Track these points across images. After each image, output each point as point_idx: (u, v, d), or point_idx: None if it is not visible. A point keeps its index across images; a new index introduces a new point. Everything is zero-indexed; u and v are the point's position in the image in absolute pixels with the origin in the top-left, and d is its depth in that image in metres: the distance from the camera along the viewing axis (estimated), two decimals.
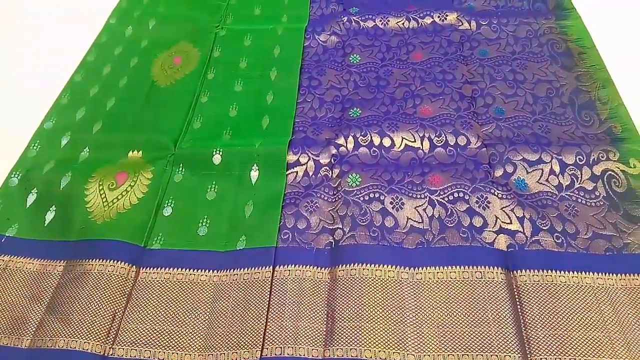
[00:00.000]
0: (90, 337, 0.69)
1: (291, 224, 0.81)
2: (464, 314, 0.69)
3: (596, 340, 0.64)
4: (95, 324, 0.70)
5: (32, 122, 1.00)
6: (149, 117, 1.00)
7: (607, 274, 0.70)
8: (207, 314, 0.72)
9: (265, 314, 0.70)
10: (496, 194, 0.80)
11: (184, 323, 0.71)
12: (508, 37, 1.06)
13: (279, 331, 0.69)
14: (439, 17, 1.12)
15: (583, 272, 0.70)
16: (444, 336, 0.67)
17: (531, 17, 1.09)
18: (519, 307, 0.68)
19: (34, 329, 0.72)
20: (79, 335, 0.69)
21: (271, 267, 0.75)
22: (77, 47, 1.15)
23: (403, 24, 1.13)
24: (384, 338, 0.67)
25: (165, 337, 0.70)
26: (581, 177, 0.81)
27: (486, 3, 1.14)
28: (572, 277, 0.70)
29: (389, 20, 1.13)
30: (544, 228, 0.76)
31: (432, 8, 1.13)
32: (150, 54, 1.14)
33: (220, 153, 0.91)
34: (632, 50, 1.01)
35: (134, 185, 0.87)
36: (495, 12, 1.12)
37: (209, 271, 0.77)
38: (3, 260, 0.80)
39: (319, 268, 0.76)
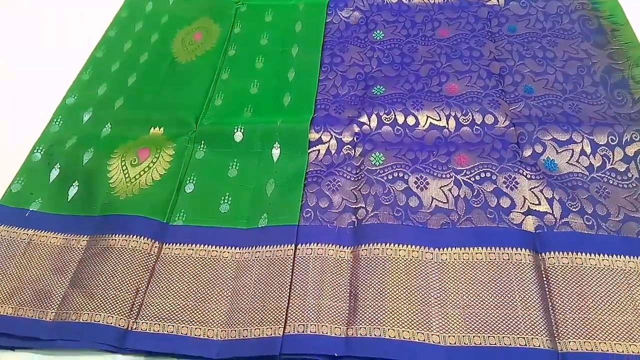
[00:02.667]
0: (114, 311, 0.70)
1: (313, 203, 0.80)
2: (490, 295, 0.68)
3: (627, 324, 0.63)
4: (119, 298, 0.71)
5: (55, 97, 1.00)
6: (170, 93, 0.99)
7: (639, 257, 0.68)
8: (230, 290, 0.72)
9: (288, 291, 0.70)
10: (524, 174, 0.78)
11: (207, 299, 0.71)
12: (538, 13, 1.03)
13: (301, 309, 0.68)
14: None
15: (614, 255, 0.68)
16: (469, 317, 0.66)
17: None
18: (547, 289, 0.66)
19: (58, 303, 0.72)
20: (102, 309, 0.70)
21: (293, 245, 0.75)
22: (99, 23, 1.15)
23: None
24: (407, 318, 0.66)
25: (188, 313, 0.70)
26: (613, 157, 0.79)
27: None
28: (603, 259, 0.68)
29: None
30: (573, 210, 0.74)
31: None
32: (171, 30, 1.12)
33: (242, 130, 0.90)
34: None
35: (156, 162, 0.87)
36: None
37: (231, 248, 0.77)
38: (27, 234, 0.80)
39: (342, 247, 0.75)
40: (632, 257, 0.68)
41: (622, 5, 1.00)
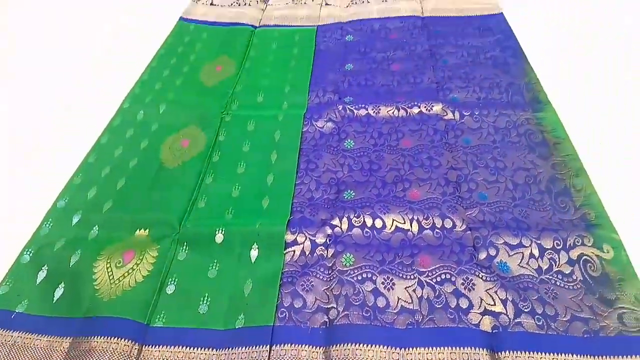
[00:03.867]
0: None
1: (288, 303, 0.85)
2: None
3: None
4: None
5: (46, 201, 1.06)
6: (156, 197, 1.06)
7: (585, 356, 0.74)
8: None
9: None
10: (480, 276, 0.85)
11: None
12: (489, 127, 1.15)
13: None
14: (425, 107, 1.22)
15: (563, 354, 0.74)
16: None
17: (510, 109, 1.19)
18: None
19: None
20: None
21: (268, 347, 0.79)
22: (93, 130, 1.23)
23: (393, 112, 1.22)
24: None
25: None
26: (559, 261, 0.87)
27: (469, 95, 1.25)
28: (553, 358, 0.74)
29: (380, 109, 1.23)
30: (525, 310, 0.80)
31: (420, 99, 1.24)
32: (160, 137, 1.21)
33: (223, 232, 0.96)
34: (603, 141, 1.10)
35: (140, 264, 0.92)
36: (477, 104, 1.21)
37: (208, 349, 0.80)
38: (12, 337, 0.83)
39: (314, 347, 0.79)
40: (578, 355, 0.74)
41: (562, 121, 1.13)
